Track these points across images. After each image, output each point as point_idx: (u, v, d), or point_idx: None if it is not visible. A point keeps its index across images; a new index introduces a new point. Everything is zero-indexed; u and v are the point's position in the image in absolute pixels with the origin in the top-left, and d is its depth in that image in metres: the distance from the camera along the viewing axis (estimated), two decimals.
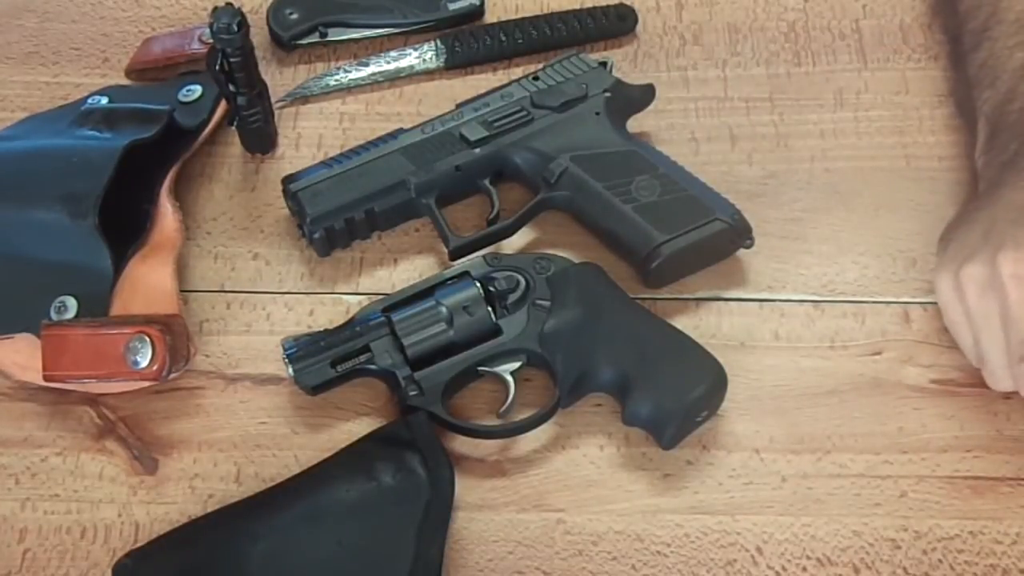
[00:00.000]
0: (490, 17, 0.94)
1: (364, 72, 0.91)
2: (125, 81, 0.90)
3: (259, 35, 0.90)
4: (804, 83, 0.90)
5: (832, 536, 0.71)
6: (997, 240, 0.71)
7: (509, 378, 0.75)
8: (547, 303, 0.76)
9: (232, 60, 0.79)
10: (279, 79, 0.91)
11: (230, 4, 0.78)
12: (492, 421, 0.75)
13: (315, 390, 0.74)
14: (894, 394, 0.76)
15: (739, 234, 0.79)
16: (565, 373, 0.74)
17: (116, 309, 0.76)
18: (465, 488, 0.72)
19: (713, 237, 0.79)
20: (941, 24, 0.91)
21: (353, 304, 0.80)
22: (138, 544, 0.70)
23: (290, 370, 0.74)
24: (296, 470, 0.72)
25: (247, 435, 0.75)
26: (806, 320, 0.79)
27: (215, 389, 0.77)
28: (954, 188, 0.84)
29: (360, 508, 0.69)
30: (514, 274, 0.77)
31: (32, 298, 0.76)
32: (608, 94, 0.84)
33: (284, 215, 0.84)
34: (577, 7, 0.93)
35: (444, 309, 0.75)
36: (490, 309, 0.75)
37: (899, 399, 0.76)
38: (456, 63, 0.91)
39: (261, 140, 0.87)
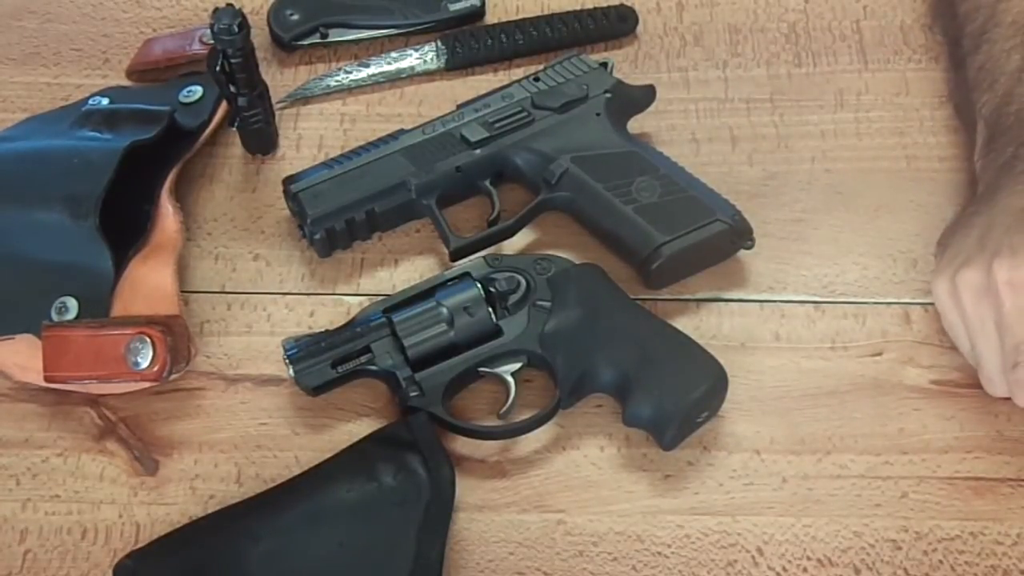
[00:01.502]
0: (490, 18, 0.94)
1: (365, 73, 0.91)
2: (126, 82, 0.91)
3: (260, 36, 0.90)
4: (805, 84, 0.90)
5: (833, 537, 0.71)
6: (993, 246, 0.71)
7: (510, 379, 0.75)
8: (548, 304, 0.76)
9: (233, 61, 0.80)
10: (280, 80, 0.91)
11: (231, 5, 0.78)
12: (493, 422, 0.75)
13: (316, 391, 0.74)
14: (894, 395, 0.76)
15: (740, 235, 0.79)
16: (566, 374, 0.74)
17: (117, 310, 0.76)
18: (466, 489, 0.72)
19: (714, 238, 0.79)
20: (941, 27, 0.91)
21: (354, 305, 0.80)
22: (139, 545, 0.70)
23: (291, 371, 0.74)
24: (297, 471, 0.72)
25: (248, 436, 0.75)
26: (807, 321, 0.79)
27: (216, 390, 0.77)
28: (955, 189, 0.84)
29: (361, 509, 0.69)
30: (515, 275, 0.77)
31: (33, 299, 0.76)
32: (609, 95, 0.84)
33: (285, 216, 0.84)
34: (577, 8, 0.93)
35: (445, 310, 0.75)
36: (491, 310, 0.75)
37: (900, 400, 0.76)
38: (457, 64, 0.91)
39: (262, 141, 0.87)
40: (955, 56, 0.87)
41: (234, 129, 0.85)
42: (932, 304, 0.78)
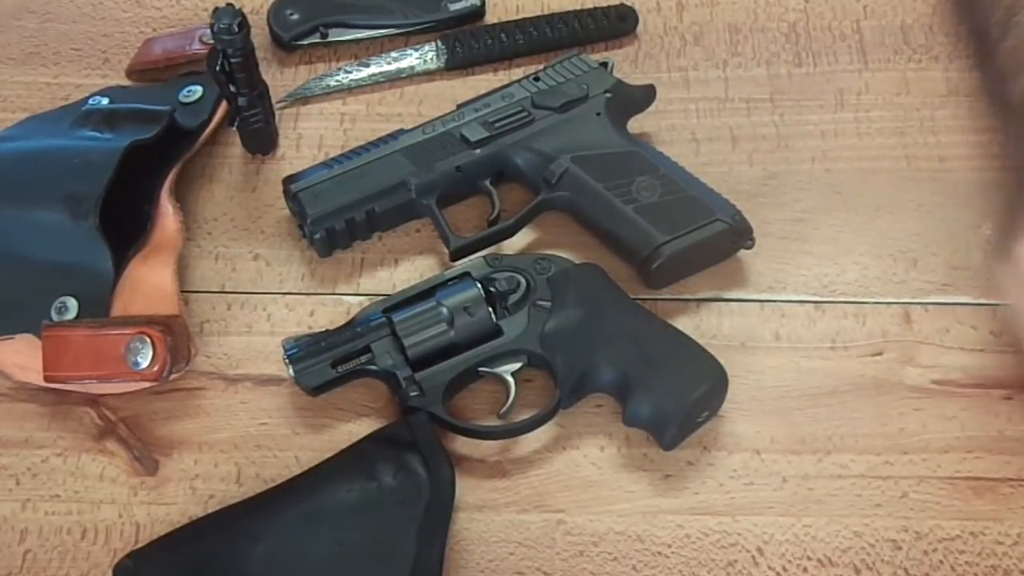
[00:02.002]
0: (490, 18, 0.94)
1: (365, 73, 0.91)
2: (126, 82, 0.91)
3: (260, 36, 0.90)
4: (805, 84, 0.90)
5: (833, 537, 0.71)
6: None
7: (510, 379, 0.75)
8: (548, 304, 0.76)
9: (233, 61, 0.79)
10: (280, 80, 0.91)
11: (231, 5, 0.78)
12: (493, 422, 0.75)
13: (316, 391, 0.74)
14: (895, 395, 0.76)
15: (740, 235, 0.79)
16: (566, 374, 0.74)
17: (117, 310, 0.76)
18: (466, 489, 0.72)
19: (714, 238, 0.79)
20: (966, 24, 0.90)
21: (354, 305, 0.80)
22: (139, 545, 0.70)
23: (291, 371, 0.74)
24: (297, 471, 0.72)
25: (248, 436, 0.75)
26: (807, 321, 0.79)
27: (216, 390, 0.77)
28: (955, 189, 0.84)
29: (361, 509, 0.69)
30: (515, 275, 0.77)
31: (33, 299, 0.76)
32: (609, 95, 0.84)
33: (285, 216, 0.84)
34: (577, 7, 0.93)
35: (445, 310, 0.75)
36: (491, 310, 0.75)
37: (900, 400, 0.76)
38: (457, 64, 0.91)
39: (262, 141, 0.87)
40: (982, 51, 0.86)
41: (234, 129, 0.85)
42: (932, 304, 0.78)
